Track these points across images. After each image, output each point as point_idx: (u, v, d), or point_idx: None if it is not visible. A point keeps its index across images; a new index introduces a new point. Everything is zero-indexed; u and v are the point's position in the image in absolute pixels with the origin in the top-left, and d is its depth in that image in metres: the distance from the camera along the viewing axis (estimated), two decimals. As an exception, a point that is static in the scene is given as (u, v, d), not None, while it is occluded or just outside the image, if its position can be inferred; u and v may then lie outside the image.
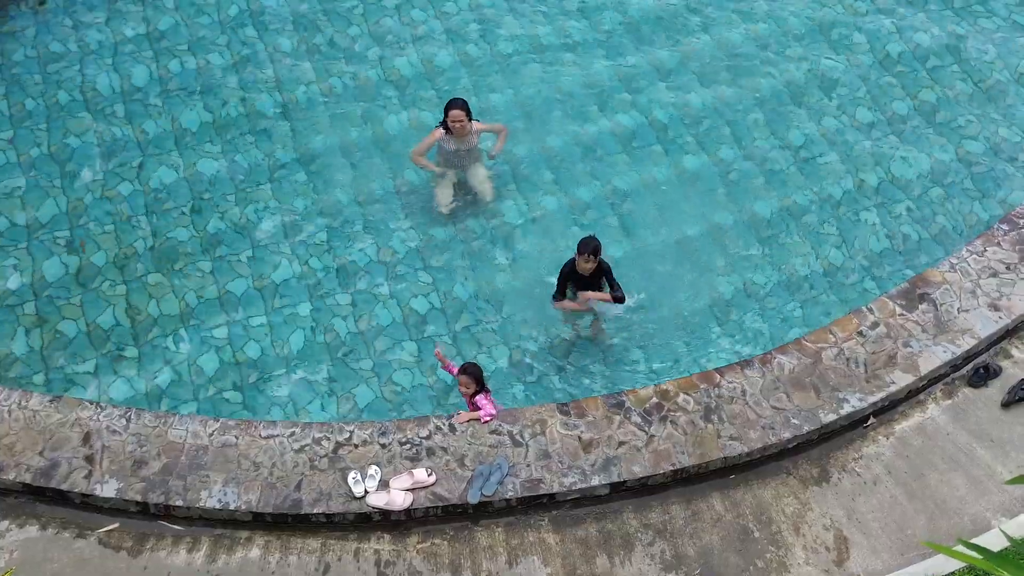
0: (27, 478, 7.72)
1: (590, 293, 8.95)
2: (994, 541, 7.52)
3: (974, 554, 3.15)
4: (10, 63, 11.19)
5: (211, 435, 7.99)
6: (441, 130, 9.89)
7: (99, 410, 8.13)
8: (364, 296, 9.49)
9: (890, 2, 12.13)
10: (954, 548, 6.83)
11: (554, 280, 9.14)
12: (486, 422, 8.09)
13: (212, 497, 7.66)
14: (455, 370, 8.41)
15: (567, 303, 9.12)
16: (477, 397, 8.17)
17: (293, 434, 8.04)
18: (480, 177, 10.18)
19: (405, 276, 9.64)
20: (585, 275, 8.84)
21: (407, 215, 10.08)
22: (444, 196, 10.09)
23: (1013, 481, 3.20)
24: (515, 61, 11.45)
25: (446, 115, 9.80)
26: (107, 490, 7.68)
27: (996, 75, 11.32)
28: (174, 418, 8.11)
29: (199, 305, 9.34)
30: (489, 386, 8.39)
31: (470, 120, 9.84)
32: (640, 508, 7.87)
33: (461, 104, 9.80)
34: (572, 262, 8.83)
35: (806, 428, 8.15)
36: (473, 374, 8.16)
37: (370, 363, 9.08)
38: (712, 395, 8.32)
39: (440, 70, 11.33)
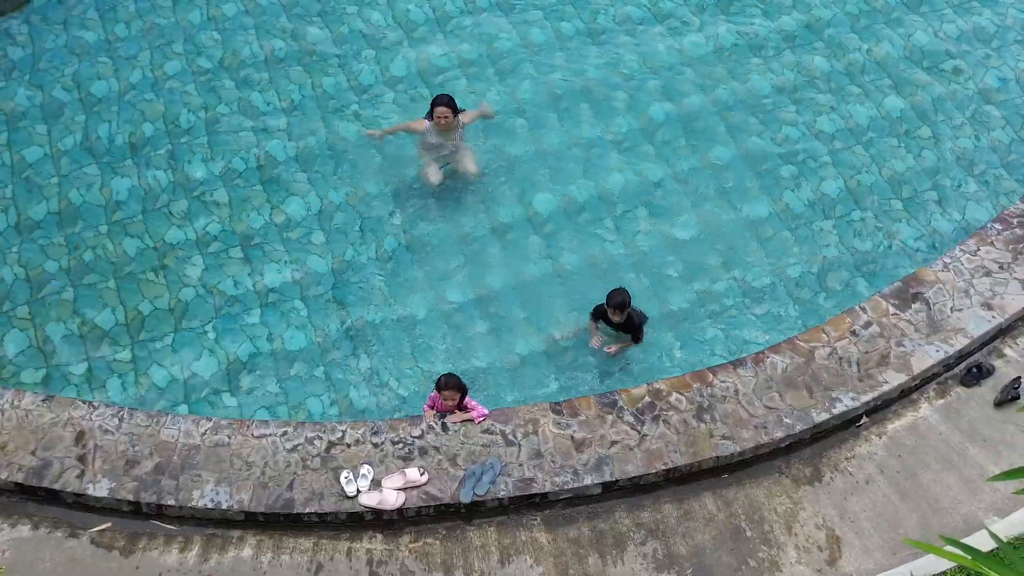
0: (19, 477, 7.72)
1: (615, 348, 9.06)
2: (987, 541, 7.51)
3: (961, 553, 3.14)
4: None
5: (203, 435, 8.00)
6: (427, 122, 9.94)
7: (91, 409, 8.13)
8: (358, 296, 9.48)
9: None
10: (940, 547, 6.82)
11: (543, 281, 9.15)
12: (480, 422, 8.09)
13: (204, 497, 7.66)
14: (432, 397, 8.27)
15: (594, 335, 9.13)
16: (465, 402, 8.16)
17: (285, 433, 8.04)
18: (466, 160, 10.23)
19: (397, 276, 9.64)
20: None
21: (400, 214, 10.07)
22: (432, 173, 10.14)
23: (995, 478, 3.19)
24: (510, 61, 11.44)
25: (433, 109, 9.85)
26: (99, 489, 7.68)
27: (993, 76, 11.32)
28: (166, 417, 8.11)
29: (192, 306, 9.34)
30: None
31: (456, 116, 9.89)
32: (632, 507, 7.88)
33: (447, 100, 9.84)
34: (604, 307, 8.76)
35: (799, 427, 8.16)
36: (456, 386, 8.07)
37: (364, 363, 9.07)
38: (705, 394, 8.33)
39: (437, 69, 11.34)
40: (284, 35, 11.57)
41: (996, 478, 3.21)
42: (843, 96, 11.14)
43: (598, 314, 8.99)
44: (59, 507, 7.74)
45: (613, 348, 9.03)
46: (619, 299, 8.62)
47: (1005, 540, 7.42)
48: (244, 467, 7.82)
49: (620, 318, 8.70)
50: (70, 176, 10.20)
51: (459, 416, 8.12)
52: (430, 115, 9.93)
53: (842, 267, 9.80)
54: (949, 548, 3.50)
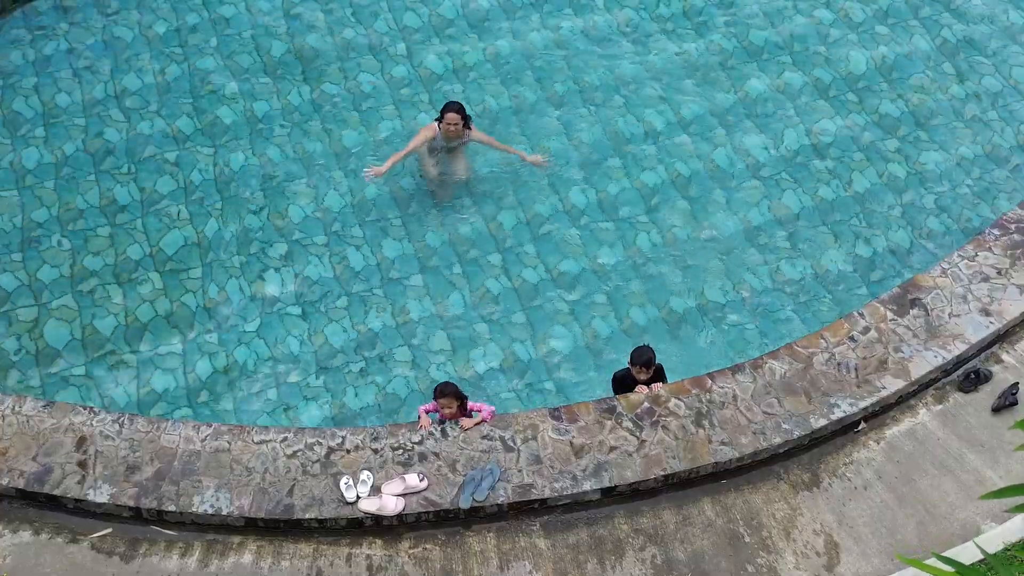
0: (20, 483, 7.74)
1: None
2: (986, 546, 7.54)
3: (945, 567, 3.16)
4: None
5: (204, 440, 8.02)
6: (435, 126, 9.97)
7: (92, 415, 8.15)
8: (357, 300, 9.52)
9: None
10: (934, 557, 6.84)
11: (542, 285, 9.16)
12: (491, 419, 8.12)
13: (205, 502, 7.68)
14: (431, 406, 8.26)
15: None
16: (469, 407, 8.19)
17: (286, 439, 8.06)
18: (460, 166, 10.29)
19: (399, 280, 9.67)
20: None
21: (401, 219, 10.11)
22: (431, 167, 10.21)
23: (989, 496, 3.22)
24: (511, 66, 11.47)
25: (442, 115, 9.89)
26: (100, 495, 7.70)
27: (990, 80, 11.35)
28: (167, 423, 8.13)
29: (191, 310, 9.37)
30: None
31: (465, 124, 9.93)
32: (631, 513, 7.90)
33: (458, 107, 9.88)
34: (626, 371, 8.47)
35: (797, 433, 8.18)
36: (452, 393, 8.08)
37: (363, 368, 9.11)
38: (703, 400, 8.35)
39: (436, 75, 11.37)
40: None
41: (989, 495, 3.23)
42: (842, 102, 11.17)
43: (624, 383, 8.48)
44: (60, 512, 7.76)
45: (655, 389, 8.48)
46: (647, 356, 8.28)
47: (1003, 545, 7.47)
48: (244, 473, 7.85)
49: (648, 374, 8.37)
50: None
51: (470, 422, 8.12)
52: (439, 120, 9.96)
53: (840, 272, 9.83)
54: (931, 561, 3.51)
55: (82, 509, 7.75)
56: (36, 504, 7.78)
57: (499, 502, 7.77)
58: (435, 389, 8.15)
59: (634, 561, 7.62)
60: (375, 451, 8.00)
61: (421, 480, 7.80)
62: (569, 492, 7.84)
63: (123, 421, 8.12)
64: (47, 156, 10.41)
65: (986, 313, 8.90)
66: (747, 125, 10.94)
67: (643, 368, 8.34)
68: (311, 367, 9.12)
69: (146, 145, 10.57)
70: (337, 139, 10.72)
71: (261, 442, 8.02)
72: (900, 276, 9.70)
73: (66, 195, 10.12)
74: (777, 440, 8.14)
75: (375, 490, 7.76)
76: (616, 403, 8.33)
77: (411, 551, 7.64)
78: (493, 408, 8.22)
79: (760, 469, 8.16)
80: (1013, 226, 9.56)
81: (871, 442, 8.32)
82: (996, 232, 9.53)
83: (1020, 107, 11.13)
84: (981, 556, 7.34)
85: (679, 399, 8.35)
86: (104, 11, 11.63)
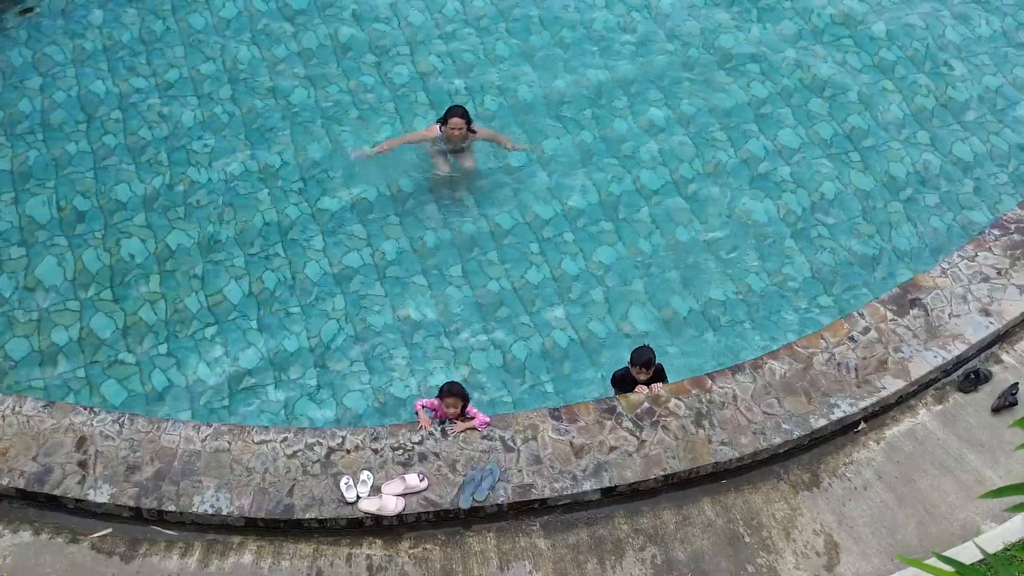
0: (21, 483, 7.75)
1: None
2: (986, 546, 7.54)
3: (944, 567, 3.16)
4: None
5: (204, 440, 8.02)
6: (436, 127, 9.99)
7: (92, 415, 8.16)
8: (357, 300, 9.51)
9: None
10: (932, 558, 6.85)
11: (542, 286, 9.15)
12: (482, 429, 8.11)
13: (205, 502, 7.68)
14: (432, 402, 8.22)
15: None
16: (467, 410, 8.18)
17: (286, 439, 8.06)
18: (469, 162, 10.33)
19: (399, 280, 9.67)
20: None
21: (401, 219, 10.11)
22: (441, 168, 10.27)
23: (988, 495, 3.22)
24: (510, 62, 11.47)
25: (446, 120, 9.90)
26: (100, 495, 7.70)
27: (990, 80, 11.36)
28: (167, 423, 8.14)
29: (191, 310, 9.37)
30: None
31: (469, 129, 9.95)
32: (631, 513, 7.90)
33: (461, 112, 9.90)
34: (626, 371, 8.48)
35: (797, 433, 8.18)
36: (459, 393, 8.08)
37: (363, 368, 9.10)
38: (703, 400, 8.35)
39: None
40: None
41: (989, 495, 3.24)
42: (842, 101, 11.17)
43: (623, 383, 8.48)
44: (60, 513, 7.76)
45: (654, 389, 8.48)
46: (647, 356, 8.29)
47: (1003, 545, 7.48)
48: (244, 473, 7.85)
49: (648, 375, 8.39)
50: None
51: (461, 425, 8.13)
52: (443, 123, 9.96)
53: (841, 272, 9.82)
54: (932, 561, 3.51)
55: (82, 509, 7.75)
56: (36, 504, 7.78)
57: (499, 502, 7.78)
58: (442, 387, 8.15)
59: (634, 561, 7.63)
60: (375, 451, 8.00)
61: (421, 480, 7.80)
62: (569, 492, 7.84)
63: (123, 421, 8.12)
64: (46, 155, 10.44)
65: (986, 313, 8.90)
66: (747, 125, 10.93)
67: (643, 368, 8.35)
68: (311, 366, 9.11)
69: (145, 145, 10.58)
70: (336, 138, 10.72)
71: (261, 442, 8.03)
72: (900, 276, 9.68)
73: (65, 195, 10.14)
74: (777, 440, 8.15)
75: (375, 490, 7.77)
76: (616, 403, 8.33)
77: (411, 551, 7.64)
78: (488, 420, 8.16)
79: (760, 469, 8.17)
80: (1013, 226, 9.56)
81: (871, 442, 8.32)
82: (996, 232, 9.53)
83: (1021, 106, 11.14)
84: (981, 556, 7.34)
85: (679, 399, 8.35)
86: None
